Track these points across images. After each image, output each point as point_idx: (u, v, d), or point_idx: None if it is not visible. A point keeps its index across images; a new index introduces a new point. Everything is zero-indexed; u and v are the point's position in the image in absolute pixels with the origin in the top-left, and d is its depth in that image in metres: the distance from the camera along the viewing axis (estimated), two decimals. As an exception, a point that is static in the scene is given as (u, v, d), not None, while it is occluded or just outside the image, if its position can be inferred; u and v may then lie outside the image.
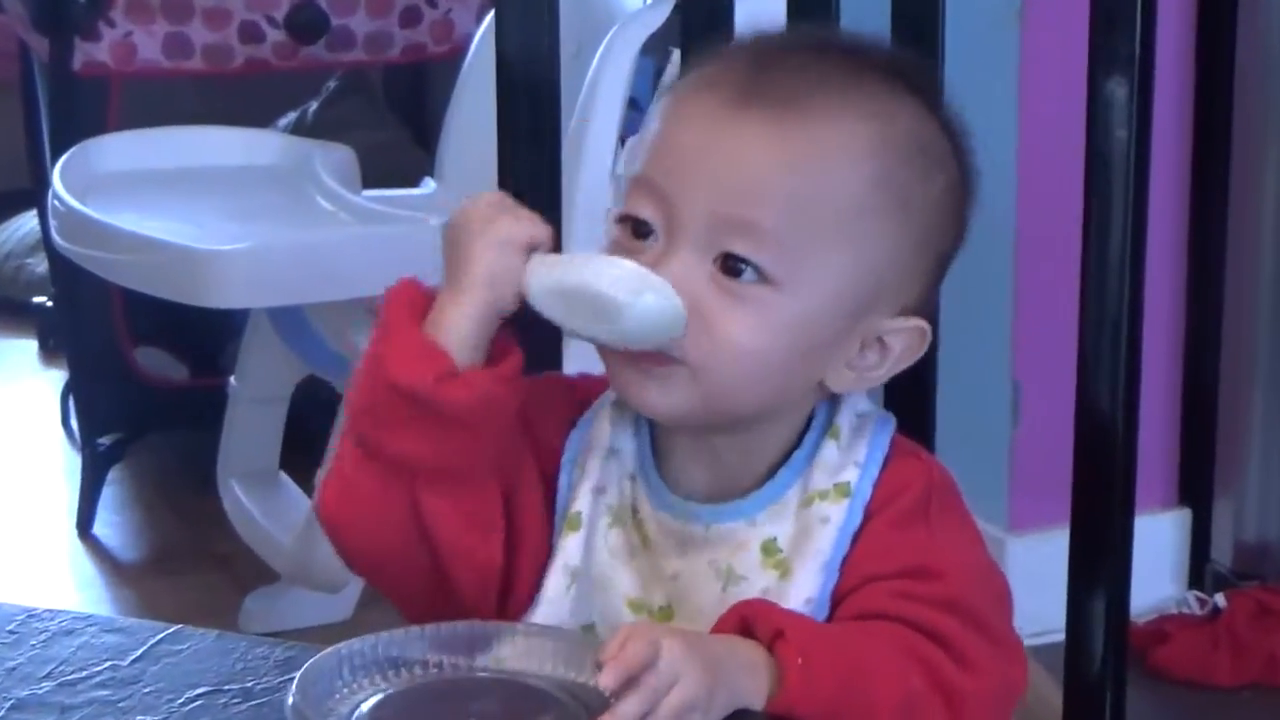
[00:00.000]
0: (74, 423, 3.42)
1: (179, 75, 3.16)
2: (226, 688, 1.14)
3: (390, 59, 3.29)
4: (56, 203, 2.72)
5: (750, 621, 1.12)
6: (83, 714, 1.12)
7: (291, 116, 3.56)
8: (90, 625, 1.22)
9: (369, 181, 2.90)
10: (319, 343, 2.74)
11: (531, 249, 1.19)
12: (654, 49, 2.55)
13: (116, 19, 3.08)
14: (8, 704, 1.13)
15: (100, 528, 3.23)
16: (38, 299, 4.05)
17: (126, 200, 2.72)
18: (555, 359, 1.44)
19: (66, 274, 3.09)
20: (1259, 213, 2.77)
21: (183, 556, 3.12)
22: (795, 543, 1.19)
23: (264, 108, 3.45)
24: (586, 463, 1.25)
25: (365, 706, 1.07)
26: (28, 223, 4.17)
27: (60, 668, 1.17)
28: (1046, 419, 2.60)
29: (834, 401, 1.23)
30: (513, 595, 1.23)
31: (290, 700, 1.05)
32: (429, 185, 2.91)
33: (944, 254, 1.24)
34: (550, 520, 1.25)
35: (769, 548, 1.19)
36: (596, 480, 1.24)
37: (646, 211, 1.19)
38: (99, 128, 3.03)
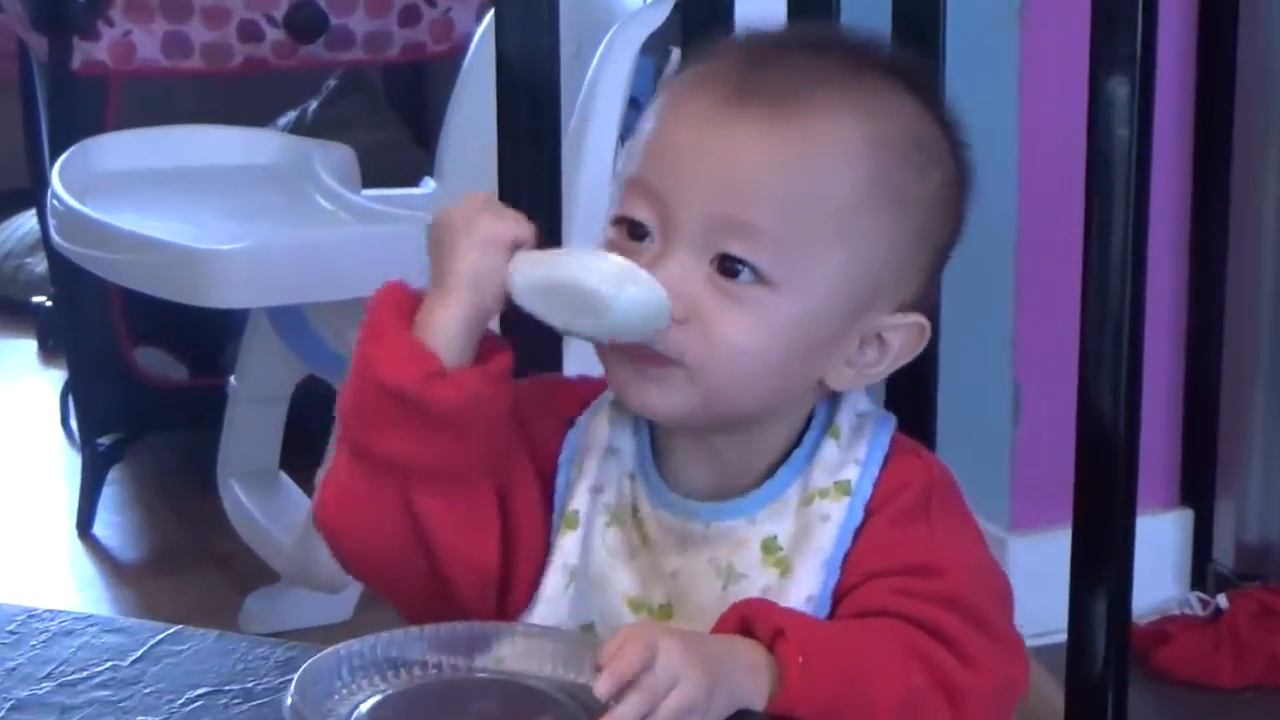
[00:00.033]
0: (74, 423, 3.42)
1: (178, 74, 3.16)
2: (227, 688, 1.14)
3: (390, 58, 3.29)
4: (56, 202, 2.72)
5: (750, 621, 1.12)
6: (83, 714, 1.12)
7: (291, 116, 3.56)
8: (90, 625, 1.22)
9: (369, 181, 2.90)
10: (319, 342, 2.74)
11: (515, 247, 1.19)
12: (654, 48, 2.54)
13: (115, 18, 3.08)
14: (8, 704, 1.13)
15: (100, 528, 3.22)
16: (37, 299, 4.05)
17: (126, 200, 2.72)
18: (555, 360, 1.44)
19: (66, 274, 3.09)
20: (1260, 212, 2.77)
21: (183, 557, 3.12)
22: (795, 541, 1.19)
23: (263, 107, 3.45)
24: (584, 462, 1.25)
25: (364, 707, 1.07)
26: (27, 222, 4.17)
27: (60, 668, 1.17)
28: (1048, 419, 2.60)
29: (834, 400, 1.23)
30: (511, 595, 1.23)
31: (289, 701, 1.05)
32: (429, 185, 2.91)
33: (941, 249, 1.24)
34: (548, 519, 1.25)
35: (769, 546, 1.19)
36: (594, 479, 1.24)
37: (642, 213, 1.19)
38: (98, 127, 3.03)
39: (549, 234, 1.52)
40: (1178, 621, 2.73)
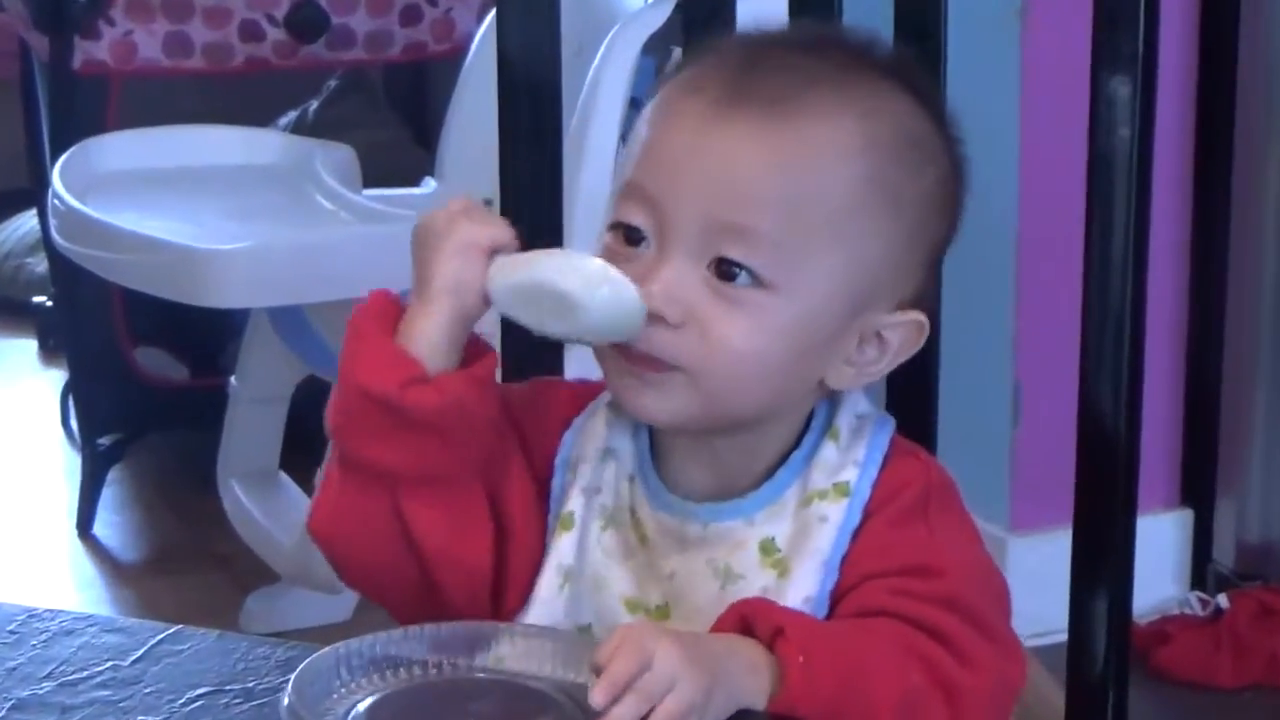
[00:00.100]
0: (74, 423, 3.42)
1: (179, 74, 3.16)
2: (228, 688, 1.14)
3: (391, 58, 3.29)
4: (56, 202, 2.72)
5: (750, 620, 1.12)
6: (83, 714, 1.12)
7: (292, 115, 3.56)
8: (91, 625, 1.22)
9: (369, 181, 2.89)
10: (319, 342, 2.74)
11: (494, 252, 1.19)
12: (655, 48, 2.54)
13: (116, 18, 3.08)
14: (8, 704, 1.13)
15: (100, 528, 3.22)
16: (37, 298, 4.05)
17: (126, 199, 2.72)
18: (556, 363, 1.44)
19: (66, 273, 3.09)
20: (1261, 212, 2.77)
21: (183, 557, 3.12)
22: (793, 542, 1.19)
23: (264, 107, 3.45)
24: (580, 463, 1.25)
25: (362, 706, 1.07)
26: (27, 222, 4.17)
27: (61, 668, 1.17)
28: (1048, 419, 2.60)
29: (833, 402, 1.23)
30: (506, 597, 1.23)
31: (286, 700, 1.05)
32: (430, 184, 2.90)
33: (938, 245, 1.24)
34: (544, 521, 1.25)
35: (767, 547, 1.19)
36: (590, 480, 1.24)
37: (638, 218, 1.19)
38: (99, 127, 3.03)
39: (549, 233, 1.52)
40: (1178, 621, 2.73)
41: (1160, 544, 2.79)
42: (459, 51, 3.04)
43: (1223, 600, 2.74)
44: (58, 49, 3.10)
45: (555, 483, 1.25)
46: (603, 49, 2.49)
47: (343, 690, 1.08)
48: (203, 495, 3.03)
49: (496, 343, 1.27)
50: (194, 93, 3.37)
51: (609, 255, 1.19)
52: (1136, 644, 2.57)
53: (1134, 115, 1.39)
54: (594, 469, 1.24)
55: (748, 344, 1.17)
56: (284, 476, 2.97)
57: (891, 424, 1.23)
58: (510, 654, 1.12)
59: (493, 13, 2.07)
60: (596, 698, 1.03)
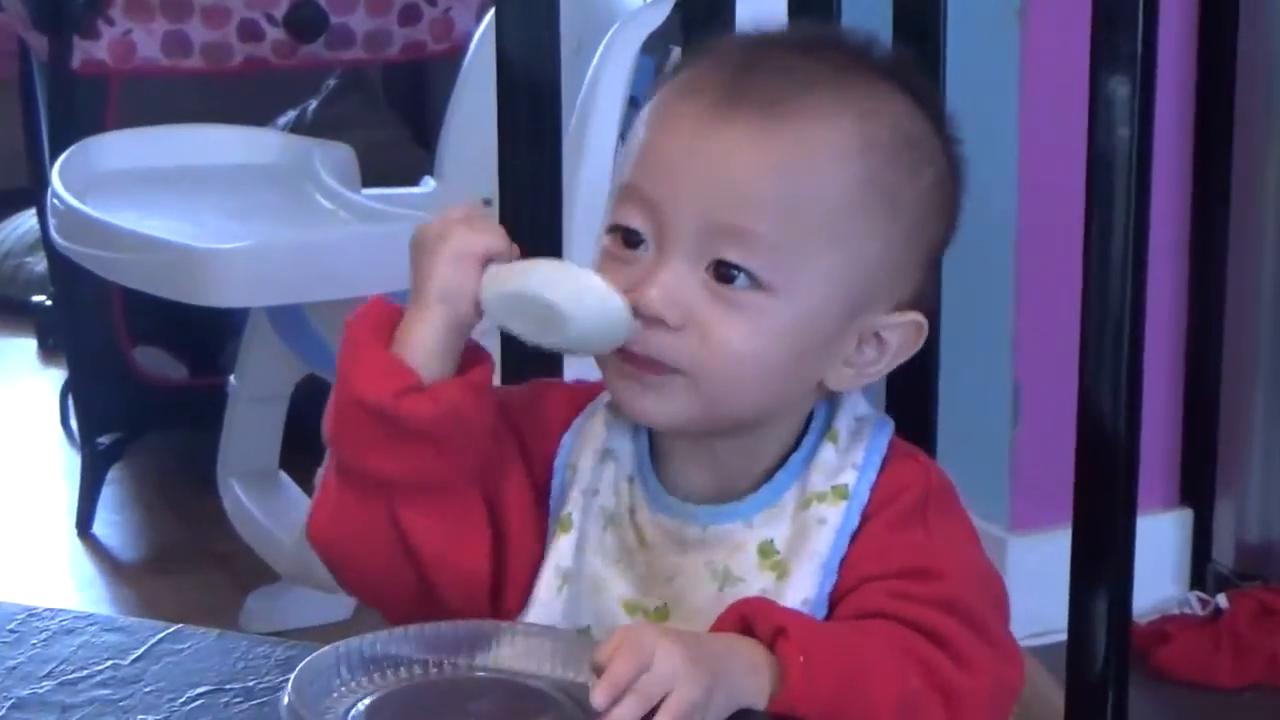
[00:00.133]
0: (73, 422, 3.42)
1: (178, 74, 3.16)
2: (228, 687, 1.14)
3: (390, 57, 3.29)
4: (56, 201, 2.72)
5: (750, 620, 1.12)
6: (83, 713, 1.12)
7: (291, 115, 3.55)
8: (91, 624, 1.22)
9: (369, 180, 2.89)
10: (319, 342, 2.73)
11: (489, 260, 1.19)
12: (655, 47, 2.54)
13: (115, 17, 3.08)
14: (8, 703, 1.13)
15: (100, 527, 3.22)
16: (37, 298, 4.05)
17: (126, 199, 2.72)
18: (556, 364, 1.44)
19: (66, 273, 3.09)
20: (1260, 212, 2.77)
21: (183, 556, 3.12)
22: (792, 544, 1.19)
23: (263, 106, 3.45)
24: (579, 464, 1.25)
25: (362, 705, 1.07)
26: (27, 221, 4.17)
27: (61, 667, 1.17)
28: (1048, 419, 2.60)
29: (833, 404, 1.23)
30: (504, 600, 1.23)
31: (286, 699, 1.05)
32: (429, 184, 2.90)
33: (936, 245, 1.24)
34: (543, 524, 1.25)
35: (766, 549, 1.19)
36: (588, 482, 1.24)
37: (636, 220, 1.18)
38: (98, 126, 3.03)
39: (549, 232, 1.52)
40: (1177, 621, 2.73)
41: (1160, 544, 2.79)
42: (458, 51, 3.04)
43: (1222, 600, 2.74)
44: (57, 48, 3.10)
45: (554, 484, 1.25)
46: (602, 48, 2.49)
47: (343, 689, 1.08)
48: (202, 494, 3.03)
49: (495, 344, 1.27)
50: (193, 92, 3.37)
51: (607, 257, 1.20)
52: (1136, 644, 2.56)
53: (1133, 115, 1.39)
54: (593, 470, 1.24)
55: (747, 346, 1.17)
56: (284, 476, 2.97)
57: (890, 426, 1.23)
58: (510, 653, 1.12)
59: (492, 12, 2.07)
60: (598, 698, 1.03)
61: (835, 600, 1.17)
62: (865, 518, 1.19)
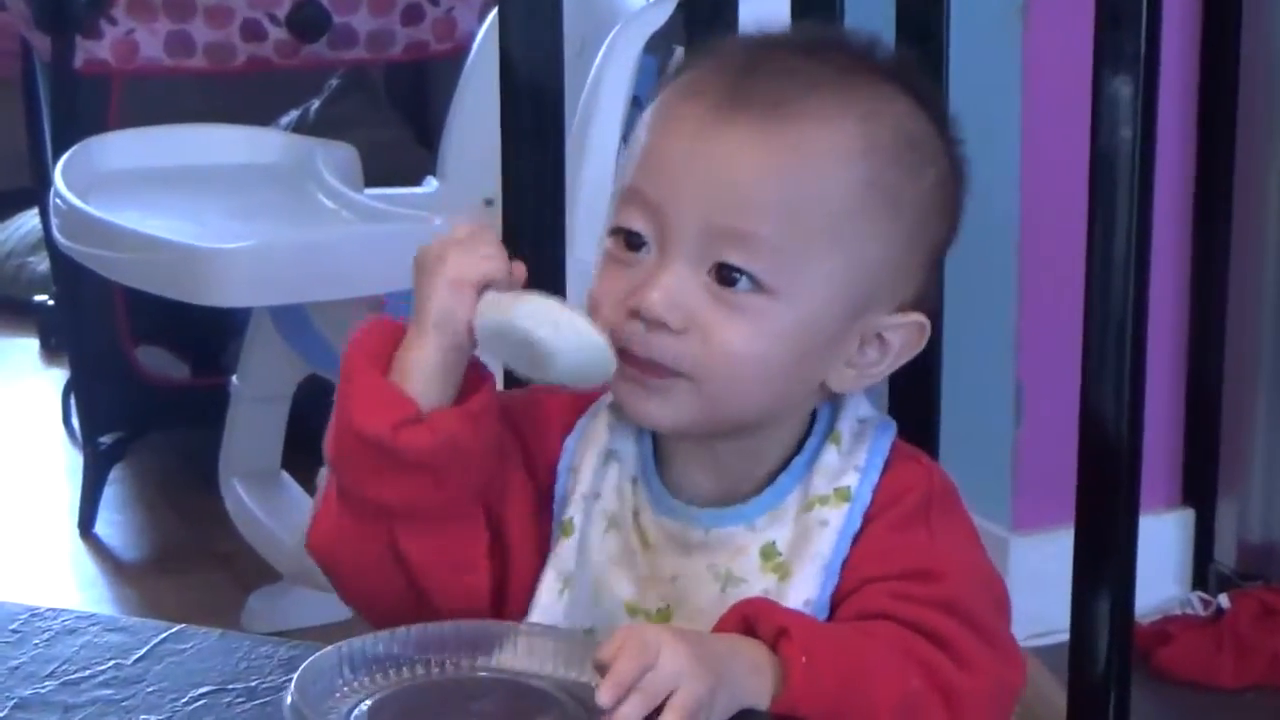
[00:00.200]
0: (75, 421, 3.42)
1: (181, 73, 3.16)
2: (230, 687, 1.14)
3: (392, 57, 3.29)
4: (58, 201, 2.72)
5: (752, 620, 1.12)
6: (86, 713, 1.12)
7: (293, 115, 3.56)
8: (93, 624, 1.22)
9: (371, 180, 2.89)
10: (321, 341, 2.74)
11: (485, 287, 1.18)
12: (658, 47, 2.54)
13: (118, 17, 3.08)
14: (11, 703, 1.13)
15: (102, 527, 3.23)
16: (39, 297, 4.05)
17: (128, 198, 2.72)
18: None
19: (68, 272, 3.09)
20: (1263, 211, 2.77)
21: (185, 555, 3.12)
22: (794, 546, 1.19)
23: (266, 106, 3.45)
24: (581, 467, 1.24)
25: (364, 705, 1.07)
26: (29, 221, 4.17)
27: (63, 667, 1.17)
28: (1050, 419, 2.60)
29: (835, 405, 1.23)
30: (506, 610, 1.23)
31: (289, 699, 1.05)
32: (431, 184, 2.90)
33: (938, 246, 1.24)
34: (545, 528, 1.25)
35: (768, 552, 1.19)
36: (590, 485, 1.24)
37: (638, 223, 1.18)
38: (100, 126, 3.03)
39: (551, 233, 1.52)
40: (1179, 621, 2.73)
41: (1162, 544, 2.79)
42: (461, 51, 3.04)
43: (1224, 600, 2.74)
44: (59, 48, 3.10)
45: (557, 488, 1.25)
46: (605, 48, 2.49)
47: (345, 689, 1.08)
48: (204, 494, 3.03)
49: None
50: (196, 92, 3.37)
51: (609, 260, 1.19)
52: (1138, 644, 2.56)
53: (1136, 115, 1.38)
54: (595, 473, 1.24)
55: (749, 348, 1.17)
56: (286, 475, 2.97)
57: (893, 428, 1.23)
58: (512, 653, 1.12)
59: (494, 12, 2.07)
60: (603, 697, 1.03)
61: (837, 601, 1.17)
62: (867, 520, 1.18)
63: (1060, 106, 2.35)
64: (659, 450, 1.24)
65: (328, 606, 2.80)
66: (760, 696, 1.09)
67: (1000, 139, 2.61)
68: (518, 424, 1.25)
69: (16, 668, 1.17)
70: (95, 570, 3.12)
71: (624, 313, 1.17)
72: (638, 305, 1.16)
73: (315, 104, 3.57)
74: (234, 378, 2.97)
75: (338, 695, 1.07)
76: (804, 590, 1.17)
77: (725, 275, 1.16)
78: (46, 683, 1.15)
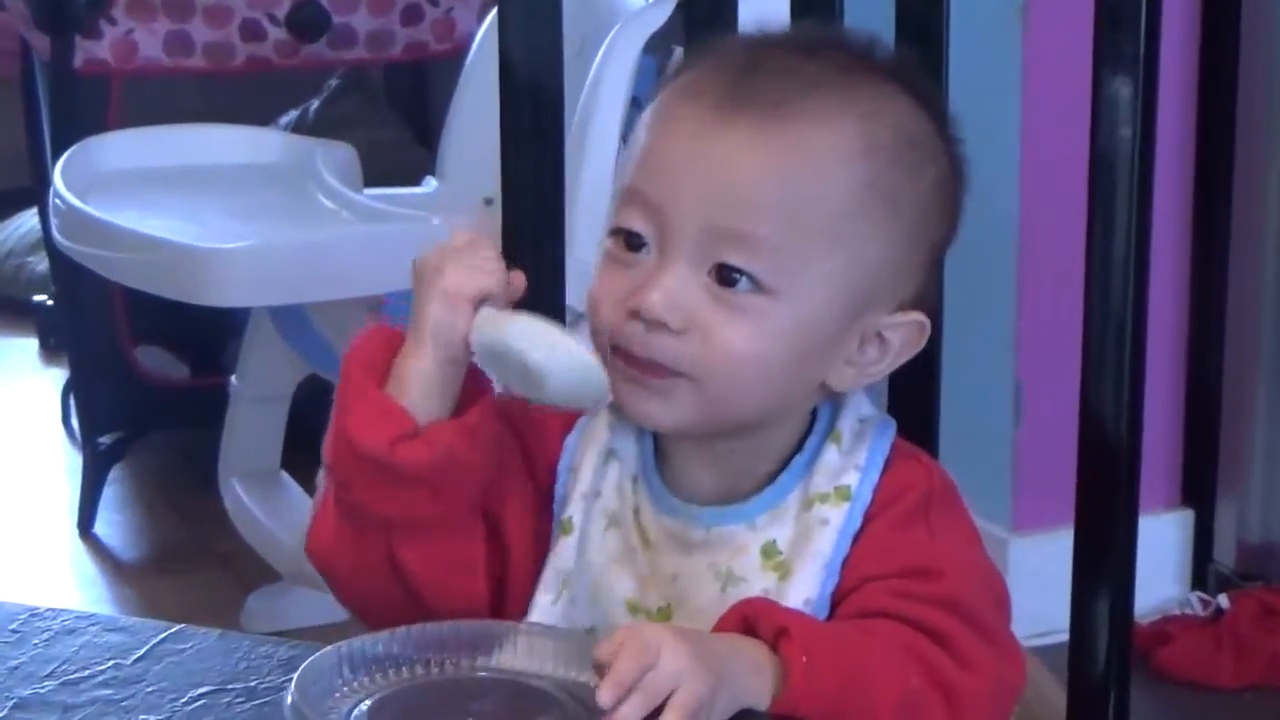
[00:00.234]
0: (75, 422, 3.42)
1: (180, 73, 3.16)
2: (230, 687, 1.14)
3: (392, 57, 3.29)
4: (58, 201, 2.72)
5: (752, 620, 1.12)
6: (85, 713, 1.12)
7: (293, 115, 3.56)
8: (93, 624, 1.22)
9: (370, 180, 2.89)
10: (320, 341, 2.74)
11: (482, 300, 1.18)
12: (657, 47, 2.54)
13: (118, 17, 3.08)
14: (10, 703, 1.12)
15: (101, 527, 3.22)
16: (38, 297, 4.05)
17: (128, 198, 2.72)
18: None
19: (67, 272, 3.09)
20: (1263, 211, 2.77)
21: (184, 555, 3.12)
22: (795, 545, 1.19)
23: (265, 106, 3.45)
24: (581, 466, 1.25)
25: (364, 705, 1.07)
26: (28, 221, 4.17)
27: (63, 667, 1.17)
28: (1049, 419, 2.60)
29: (836, 404, 1.23)
30: (505, 612, 1.23)
31: (289, 699, 1.05)
32: (431, 184, 2.90)
33: (938, 245, 1.24)
34: (545, 529, 1.25)
35: (769, 550, 1.19)
36: (590, 484, 1.24)
37: (638, 224, 1.18)
38: (100, 126, 3.03)
39: (551, 233, 1.52)
40: (1179, 622, 2.73)
41: (1161, 544, 2.79)
42: (460, 51, 3.04)
43: (1224, 600, 2.74)
44: (59, 48, 3.10)
45: (557, 488, 1.25)
46: (604, 48, 2.49)
47: (345, 689, 1.08)
48: (204, 494, 3.03)
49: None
50: (195, 92, 3.37)
51: (609, 260, 1.19)
52: (1138, 644, 2.56)
53: (1135, 115, 1.39)
54: (595, 472, 1.24)
55: (749, 349, 1.17)
56: (285, 475, 2.97)
57: (893, 427, 1.23)
58: (512, 653, 1.12)
59: (494, 12, 2.07)
60: (603, 696, 1.03)
61: (837, 600, 1.17)
62: (868, 518, 1.19)
63: (1060, 106, 2.35)
64: (659, 449, 1.24)
65: (327, 607, 2.79)
66: (760, 696, 1.09)
67: (1000, 139, 2.61)
68: (517, 424, 1.25)
69: (16, 668, 1.17)
70: (95, 570, 3.11)
71: (624, 313, 1.17)
72: (638, 306, 1.16)
73: (315, 104, 3.57)
74: (233, 378, 2.97)
75: (338, 695, 1.07)
76: (804, 589, 1.17)
77: (725, 276, 1.16)
78: (46, 683, 1.15)
